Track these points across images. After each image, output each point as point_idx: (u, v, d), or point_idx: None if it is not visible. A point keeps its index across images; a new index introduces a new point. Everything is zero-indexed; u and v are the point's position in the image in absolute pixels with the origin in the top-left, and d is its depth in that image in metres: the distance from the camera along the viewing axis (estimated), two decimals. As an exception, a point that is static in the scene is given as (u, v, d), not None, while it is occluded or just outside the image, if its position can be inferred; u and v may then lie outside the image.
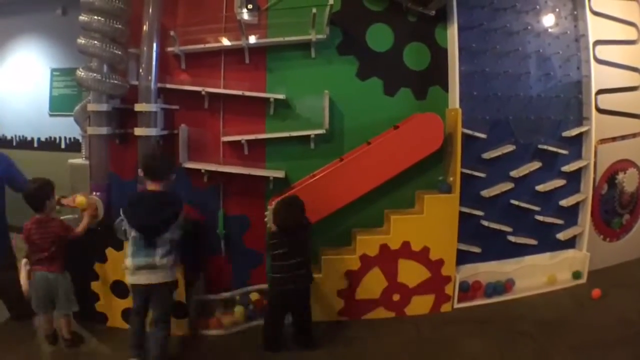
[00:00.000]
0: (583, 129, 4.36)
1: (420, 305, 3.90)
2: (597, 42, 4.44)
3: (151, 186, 3.19)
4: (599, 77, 4.40)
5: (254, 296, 3.87)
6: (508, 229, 4.21)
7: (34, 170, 6.32)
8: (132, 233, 3.07)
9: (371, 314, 3.85)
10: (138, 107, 3.70)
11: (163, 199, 3.14)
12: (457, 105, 3.88)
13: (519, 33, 4.20)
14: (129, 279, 3.11)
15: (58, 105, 6.05)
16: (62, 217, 4.14)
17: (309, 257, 3.42)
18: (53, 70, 6.07)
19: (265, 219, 3.68)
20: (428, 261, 3.84)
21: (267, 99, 3.83)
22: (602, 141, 4.56)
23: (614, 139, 4.67)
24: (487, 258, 4.21)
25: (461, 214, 3.91)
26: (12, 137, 6.39)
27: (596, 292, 4.06)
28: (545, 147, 4.25)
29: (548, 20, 4.31)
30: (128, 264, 3.06)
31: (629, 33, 4.73)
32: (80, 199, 3.61)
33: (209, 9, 3.90)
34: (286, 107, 3.91)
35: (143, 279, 3.06)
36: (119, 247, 3.60)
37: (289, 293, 3.34)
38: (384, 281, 3.81)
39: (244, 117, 3.92)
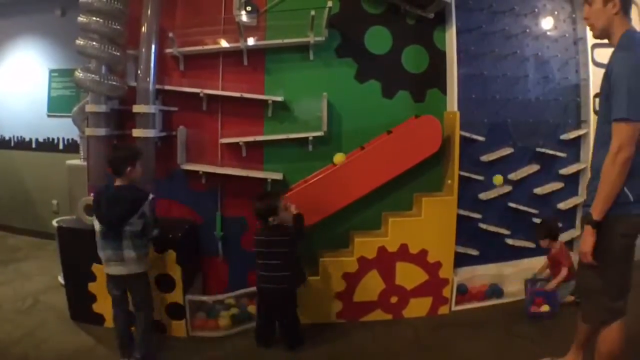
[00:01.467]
0: (581, 132, 4.37)
1: (417, 307, 3.90)
2: (596, 45, 4.44)
3: (117, 181, 3.18)
4: (597, 80, 4.37)
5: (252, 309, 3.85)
6: (506, 231, 4.21)
7: (32, 171, 6.36)
8: (98, 227, 3.11)
9: (369, 316, 3.85)
10: (136, 109, 3.70)
11: (122, 193, 3.11)
12: (456, 108, 3.88)
13: (518, 36, 4.20)
14: (104, 269, 3.17)
15: (56, 106, 6.04)
16: (57, 219, 4.16)
17: (293, 261, 3.43)
18: (51, 71, 6.07)
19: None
20: (426, 264, 3.84)
21: (266, 101, 3.83)
22: (600, 144, 4.56)
23: (611, 142, 4.66)
24: (485, 261, 4.21)
25: (459, 216, 3.91)
26: (10, 138, 6.39)
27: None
28: (543, 150, 4.25)
29: (547, 23, 4.31)
30: (100, 255, 3.13)
31: (627, 36, 4.73)
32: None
33: (208, 11, 3.90)
34: (284, 109, 3.91)
35: (114, 270, 3.12)
36: (116, 248, 3.60)
37: (271, 292, 3.36)
38: (381, 283, 3.81)
39: (242, 119, 3.92)
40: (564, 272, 3.87)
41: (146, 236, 3.19)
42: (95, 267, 3.63)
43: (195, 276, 3.88)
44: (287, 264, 3.36)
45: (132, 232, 3.09)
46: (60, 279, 4.10)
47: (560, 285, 3.87)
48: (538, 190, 4.27)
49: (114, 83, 3.71)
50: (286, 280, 3.36)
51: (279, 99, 3.83)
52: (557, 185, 4.33)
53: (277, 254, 3.34)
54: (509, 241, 4.25)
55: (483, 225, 4.14)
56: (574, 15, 4.40)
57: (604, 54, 4.48)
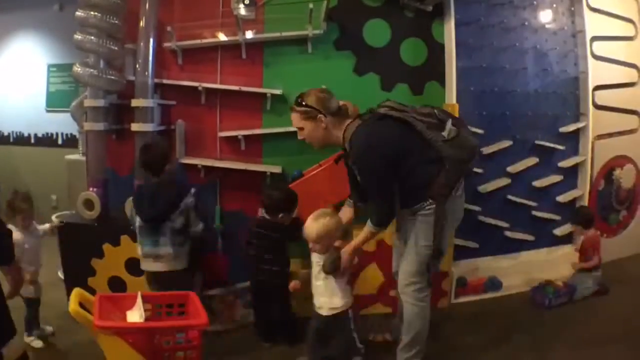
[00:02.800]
0: (580, 124, 4.38)
1: (417, 300, 3.90)
2: (595, 38, 4.44)
3: (153, 178, 3.27)
4: (596, 73, 4.41)
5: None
6: (505, 224, 4.22)
7: (31, 167, 6.35)
8: (138, 222, 3.20)
9: (368, 309, 3.85)
10: (135, 103, 3.70)
11: (163, 188, 3.20)
12: (454, 101, 3.87)
13: (516, 29, 4.20)
14: (141, 265, 3.29)
15: (55, 101, 6.04)
16: (57, 214, 4.16)
17: (286, 258, 3.44)
18: (50, 66, 6.06)
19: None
20: (425, 256, 3.84)
21: (264, 94, 3.82)
22: (599, 137, 4.57)
23: (610, 135, 4.67)
24: (484, 253, 4.22)
25: (458, 209, 3.91)
26: (9, 134, 6.39)
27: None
28: (542, 142, 4.26)
29: (545, 16, 4.32)
30: (139, 251, 3.25)
31: (626, 29, 4.74)
32: None
33: (206, 5, 3.89)
34: (283, 102, 3.90)
35: (151, 266, 3.22)
36: (115, 242, 3.60)
37: (264, 285, 3.38)
38: (381, 277, 3.81)
39: (240, 112, 3.91)
40: (595, 259, 4.02)
41: (187, 232, 3.27)
42: (94, 262, 3.64)
43: (195, 270, 3.88)
44: (280, 261, 3.37)
45: (172, 228, 3.17)
46: (60, 274, 4.10)
47: (580, 270, 4.06)
48: (537, 183, 4.27)
49: (113, 77, 3.71)
50: (277, 275, 3.35)
51: (278, 92, 3.82)
52: (556, 178, 4.34)
53: (270, 248, 3.34)
54: (508, 234, 4.25)
55: (482, 218, 4.14)
56: (572, 8, 4.40)
57: (603, 47, 4.50)
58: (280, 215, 3.37)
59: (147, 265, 3.25)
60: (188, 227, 3.27)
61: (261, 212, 3.48)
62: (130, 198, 3.64)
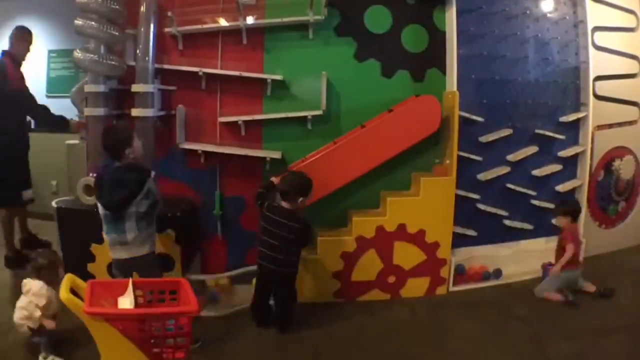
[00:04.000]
0: (580, 114, 4.37)
1: (415, 287, 3.92)
2: (596, 29, 4.44)
3: (116, 163, 3.12)
4: (597, 63, 4.40)
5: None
6: (504, 213, 4.22)
7: (32, 152, 6.33)
8: (101, 210, 3.08)
9: (366, 295, 3.87)
10: (135, 88, 3.70)
11: (123, 174, 3.03)
12: (455, 88, 3.87)
13: (518, 17, 4.19)
14: (110, 254, 3.16)
15: (55, 87, 6.03)
16: (57, 200, 4.16)
17: (294, 250, 3.39)
18: (50, 51, 6.05)
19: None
20: (424, 244, 3.85)
21: (265, 80, 3.82)
22: (599, 127, 4.57)
23: (610, 125, 4.68)
24: (483, 242, 4.22)
25: (457, 197, 3.91)
26: (9, 119, 6.37)
27: None
28: (542, 131, 4.26)
29: (547, 5, 4.30)
30: (105, 239, 3.14)
31: (628, 20, 4.73)
32: None
33: (207, -11, 3.88)
34: (283, 88, 3.90)
35: (117, 254, 3.09)
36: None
37: (267, 271, 3.36)
38: (379, 263, 3.83)
39: (241, 98, 3.91)
40: (569, 250, 3.84)
41: (151, 215, 3.13)
42: (94, 248, 3.64)
43: (195, 256, 3.89)
44: (287, 251, 3.34)
45: (138, 213, 3.03)
46: (60, 260, 4.11)
47: (565, 268, 3.84)
48: (536, 172, 4.28)
49: (113, 63, 3.71)
50: (284, 264, 3.34)
51: (278, 77, 3.82)
52: (555, 167, 4.34)
53: (281, 236, 3.32)
54: (507, 222, 4.26)
55: (481, 206, 4.14)
56: (574, -2, 4.39)
57: (604, 38, 4.49)
58: (300, 200, 3.37)
59: (115, 254, 3.10)
60: (154, 211, 3.15)
61: (277, 200, 3.44)
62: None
